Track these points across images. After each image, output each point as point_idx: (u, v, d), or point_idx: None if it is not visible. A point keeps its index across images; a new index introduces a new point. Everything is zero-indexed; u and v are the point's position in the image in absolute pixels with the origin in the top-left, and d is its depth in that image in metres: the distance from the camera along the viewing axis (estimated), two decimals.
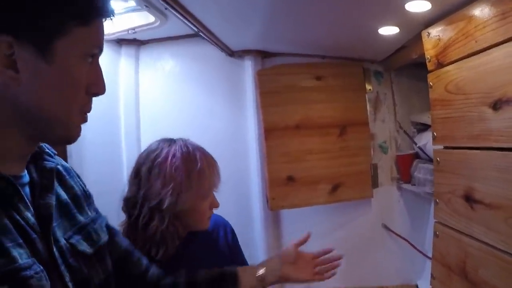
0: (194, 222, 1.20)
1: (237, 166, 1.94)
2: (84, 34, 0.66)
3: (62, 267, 0.70)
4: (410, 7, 1.19)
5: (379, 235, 1.95)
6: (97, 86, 0.72)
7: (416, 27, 1.36)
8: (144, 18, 1.60)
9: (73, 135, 0.72)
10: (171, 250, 1.14)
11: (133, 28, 1.64)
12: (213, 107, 1.95)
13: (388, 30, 1.42)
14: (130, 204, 1.15)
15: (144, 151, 1.20)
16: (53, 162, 0.78)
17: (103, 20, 0.70)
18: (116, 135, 1.83)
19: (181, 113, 1.93)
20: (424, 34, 1.33)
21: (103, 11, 0.69)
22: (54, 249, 0.69)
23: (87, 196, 0.87)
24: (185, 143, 1.18)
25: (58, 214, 0.75)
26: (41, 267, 0.63)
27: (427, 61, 1.33)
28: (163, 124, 1.89)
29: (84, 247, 0.79)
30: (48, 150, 0.79)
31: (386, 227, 1.94)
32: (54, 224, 0.72)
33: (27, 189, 0.70)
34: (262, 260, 1.80)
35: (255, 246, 1.91)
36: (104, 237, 0.86)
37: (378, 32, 1.43)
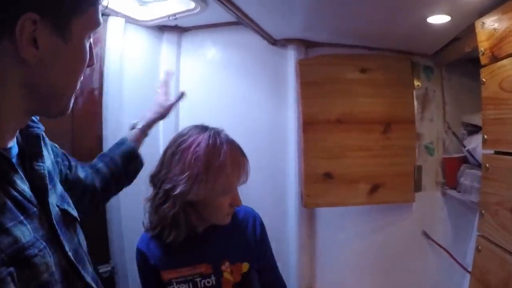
0: (209, 215, 1.18)
1: (274, 159, 1.88)
2: (93, 14, 0.70)
3: (62, 237, 0.72)
4: None
5: (418, 242, 1.83)
6: (91, 60, 0.75)
7: (469, 16, 1.25)
8: (185, 4, 1.58)
9: (69, 107, 0.75)
10: (183, 235, 1.13)
11: (174, 14, 1.63)
12: (253, 96, 1.90)
13: (438, 19, 1.30)
14: (152, 181, 1.19)
15: (176, 134, 1.21)
16: (38, 128, 0.81)
17: None
18: None
19: (220, 101, 1.90)
20: (478, 24, 1.21)
21: None
22: (54, 220, 0.71)
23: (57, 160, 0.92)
24: (215, 134, 1.15)
25: (49, 181, 0.77)
26: (44, 243, 0.65)
27: (480, 54, 1.21)
28: (202, 111, 1.86)
29: (74, 212, 0.83)
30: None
31: (426, 235, 1.82)
32: (48, 189, 0.74)
33: (18, 159, 0.71)
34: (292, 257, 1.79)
35: (287, 243, 1.85)
36: (75, 212, 0.87)
37: (427, 20, 1.32)
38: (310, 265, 1.90)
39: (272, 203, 1.86)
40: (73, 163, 1.06)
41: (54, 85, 0.69)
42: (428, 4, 1.24)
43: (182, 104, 1.88)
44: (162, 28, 1.85)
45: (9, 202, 0.61)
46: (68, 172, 1.02)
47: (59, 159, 0.97)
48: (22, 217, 0.63)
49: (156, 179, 1.17)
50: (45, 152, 0.82)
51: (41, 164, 0.75)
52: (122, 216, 1.66)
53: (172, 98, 1.47)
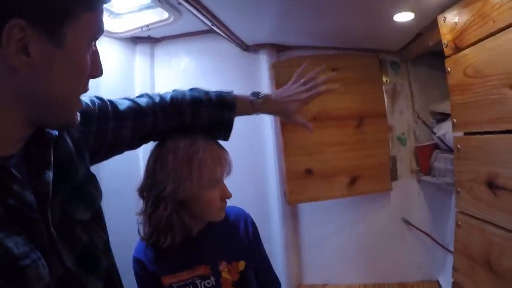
0: (203, 212, 1.20)
1: (254, 161, 1.93)
2: (90, 20, 0.68)
3: (60, 246, 0.70)
4: None
5: (399, 229, 1.91)
6: (96, 69, 0.73)
7: (431, 12, 1.33)
8: (158, 15, 1.61)
9: (74, 119, 0.73)
10: (179, 239, 1.14)
11: (147, 25, 1.66)
12: None
13: (403, 17, 1.39)
14: (141, 194, 1.19)
15: (154, 144, 1.22)
16: (51, 134, 0.77)
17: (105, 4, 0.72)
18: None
19: None
20: (440, 19, 1.30)
21: None
22: (52, 228, 0.68)
23: (79, 150, 0.86)
24: (196, 139, 1.17)
25: (67, 168, 0.77)
26: (38, 254, 0.62)
27: (444, 46, 1.29)
28: None
29: (81, 214, 0.79)
30: None
31: (406, 221, 1.90)
32: (50, 197, 0.70)
33: (22, 166, 0.68)
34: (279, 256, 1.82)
35: (273, 241, 1.89)
36: (100, 195, 0.87)
37: (393, 19, 1.40)
38: (297, 261, 1.95)
39: (255, 203, 1.88)
40: (124, 123, 1.01)
41: (50, 93, 0.66)
42: (394, 2, 1.31)
43: None
44: (135, 40, 1.88)
45: (2, 212, 0.60)
46: (111, 136, 0.98)
47: (90, 128, 0.92)
48: (17, 227, 0.61)
49: (143, 190, 1.18)
50: (65, 140, 0.81)
51: (47, 172, 0.72)
52: (108, 230, 1.64)
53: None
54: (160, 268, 1.19)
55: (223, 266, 1.21)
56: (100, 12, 0.71)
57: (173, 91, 1.17)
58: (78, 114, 0.74)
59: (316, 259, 1.94)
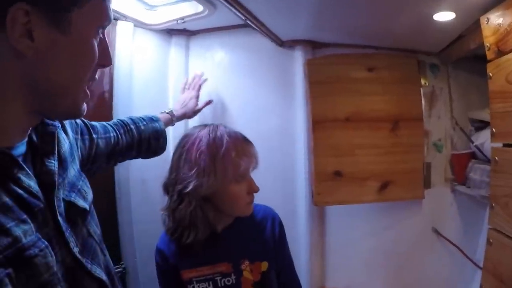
0: (230, 208, 1.19)
1: (284, 158, 1.90)
2: (97, 6, 0.68)
3: (67, 233, 0.72)
4: None
5: (428, 239, 1.83)
6: (105, 58, 0.73)
7: (474, 13, 1.26)
8: (193, 8, 1.61)
9: (79, 109, 0.73)
10: (203, 235, 1.14)
11: (182, 18, 1.65)
12: (261, 98, 1.92)
13: (444, 16, 1.32)
14: (165, 189, 1.21)
15: (179, 138, 1.24)
16: (54, 125, 0.79)
17: None
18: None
19: (229, 103, 1.92)
20: (482, 20, 1.22)
21: None
22: (58, 216, 0.70)
23: (72, 151, 0.89)
24: (215, 127, 1.19)
25: (62, 167, 0.78)
26: (46, 243, 0.64)
27: (486, 49, 1.22)
28: (211, 114, 1.88)
29: (82, 203, 0.82)
30: None
31: (436, 232, 1.82)
32: (56, 186, 0.72)
33: (27, 156, 0.70)
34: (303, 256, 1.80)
35: (298, 241, 1.85)
36: (91, 193, 0.89)
37: (433, 18, 1.33)
38: (321, 264, 1.91)
39: (282, 202, 1.87)
40: (94, 136, 1.07)
41: (54, 80, 0.66)
42: (434, 0, 1.25)
43: None
44: (170, 32, 1.88)
45: (10, 201, 0.60)
46: (91, 146, 1.04)
47: (77, 136, 0.97)
48: (25, 216, 0.62)
49: (168, 185, 1.19)
50: (62, 137, 0.83)
51: (52, 161, 0.74)
52: (133, 219, 1.68)
53: (200, 104, 1.72)
54: (182, 262, 1.19)
55: (245, 265, 1.21)
56: (107, 0, 0.70)
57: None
58: (85, 105, 0.74)
59: (340, 263, 1.90)
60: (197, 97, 1.73)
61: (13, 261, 0.57)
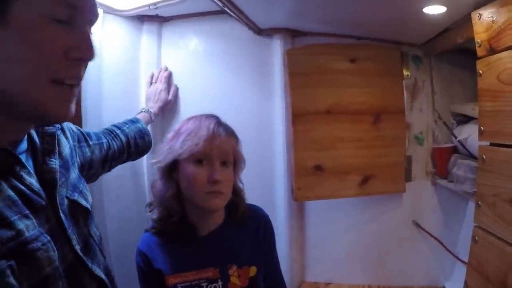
0: (188, 190, 1.15)
1: (261, 150, 1.83)
2: None
3: (69, 230, 0.73)
4: None
5: (409, 232, 1.83)
6: (79, 49, 0.64)
7: (465, 7, 1.22)
8: None
9: (48, 112, 0.64)
10: (175, 216, 1.16)
11: (155, 4, 1.55)
12: (238, 87, 1.83)
13: (434, 9, 1.27)
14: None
15: None
16: (54, 126, 0.81)
17: None
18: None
19: (204, 94, 1.83)
20: (474, 15, 1.18)
21: None
22: (61, 213, 0.72)
23: (73, 155, 0.92)
24: (201, 115, 1.21)
25: (64, 170, 0.80)
26: (48, 238, 0.65)
27: (476, 45, 1.18)
28: (184, 103, 1.81)
29: (84, 203, 0.84)
30: None
31: (417, 224, 1.81)
32: (58, 186, 0.74)
33: (26, 155, 0.71)
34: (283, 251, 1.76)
35: (277, 235, 1.76)
36: (90, 197, 0.90)
37: (422, 11, 1.28)
38: (301, 258, 1.88)
39: (260, 196, 1.79)
40: (91, 143, 1.11)
41: (8, 83, 0.59)
42: None
43: None
44: (142, 18, 1.76)
45: (14, 195, 0.61)
46: (87, 153, 1.08)
47: (75, 143, 0.99)
48: (27, 211, 0.63)
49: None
50: (62, 141, 0.85)
51: (53, 160, 0.76)
52: (106, 217, 1.59)
53: (170, 95, 1.74)
54: (166, 266, 1.14)
55: (233, 270, 1.17)
56: None
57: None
58: (72, 106, 0.67)
59: (320, 257, 1.87)
60: (166, 89, 1.74)
61: (16, 253, 0.58)
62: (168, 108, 1.75)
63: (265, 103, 1.83)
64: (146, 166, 1.74)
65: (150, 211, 1.19)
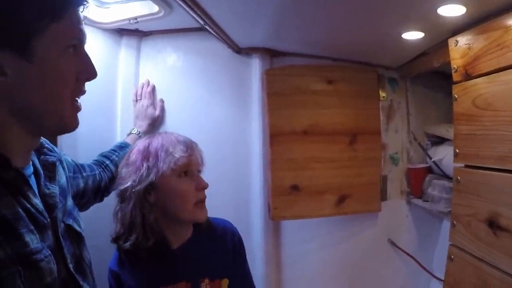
0: (177, 206, 1.15)
1: (238, 169, 1.82)
2: (60, 29, 0.71)
3: (65, 250, 0.80)
4: (442, 11, 1.08)
5: (384, 250, 1.85)
6: (87, 72, 0.79)
7: (442, 33, 1.27)
8: (148, 8, 1.50)
9: (68, 124, 0.78)
10: (145, 242, 1.11)
11: (135, 18, 1.54)
12: (216, 105, 1.82)
13: (413, 35, 1.31)
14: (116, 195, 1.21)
15: None
16: (55, 156, 0.91)
17: (78, 9, 0.76)
18: (112, 131, 1.71)
19: (181, 110, 1.80)
20: (451, 41, 1.23)
21: (75, 2, 0.74)
22: (60, 234, 0.80)
23: (68, 185, 0.99)
24: (157, 133, 1.23)
25: (61, 197, 0.88)
26: (49, 252, 0.72)
27: (453, 71, 1.22)
28: (161, 120, 1.78)
29: (78, 228, 0.92)
30: (47, 145, 0.91)
31: (392, 243, 1.84)
32: (58, 207, 0.83)
33: (32, 179, 0.79)
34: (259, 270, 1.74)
35: (253, 253, 1.79)
36: (82, 224, 0.97)
37: (401, 36, 1.32)
38: (277, 276, 1.86)
39: (236, 214, 1.77)
40: (84, 174, 1.18)
41: (34, 105, 0.71)
42: (406, 21, 1.24)
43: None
44: (121, 32, 1.74)
45: (22, 212, 0.69)
46: (81, 184, 1.14)
47: (71, 174, 1.07)
48: (32, 227, 0.70)
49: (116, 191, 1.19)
50: (60, 171, 0.94)
51: (54, 185, 0.85)
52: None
53: (157, 110, 1.71)
54: (137, 283, 1.13)
55: (205, 284, 1.17)
56: (72, 18, 0.74)
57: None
58: (78, 117, 0.80)
59: (296, 275, 1.86)
60: (152, 104, 1.71)
61: (23, 261, 0.65)
62: (157, 124, 1.72)
63: (243, 121, 1.83)
64: None
65: (124, 242, 1.13)
